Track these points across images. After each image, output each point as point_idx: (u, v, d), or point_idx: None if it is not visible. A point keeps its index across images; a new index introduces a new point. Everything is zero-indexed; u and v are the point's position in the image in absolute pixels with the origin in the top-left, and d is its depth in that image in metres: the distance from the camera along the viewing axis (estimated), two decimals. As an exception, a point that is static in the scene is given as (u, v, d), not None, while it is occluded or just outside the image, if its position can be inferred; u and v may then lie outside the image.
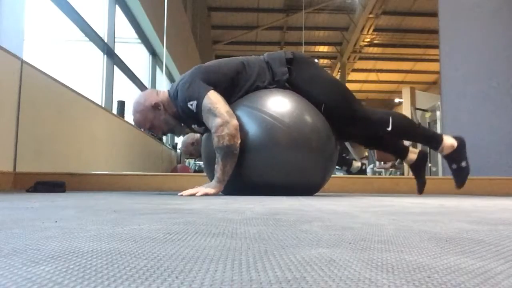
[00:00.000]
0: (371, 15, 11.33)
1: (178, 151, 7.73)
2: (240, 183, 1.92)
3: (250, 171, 1.87)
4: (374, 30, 12.30)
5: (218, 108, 1.81)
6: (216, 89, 1.88)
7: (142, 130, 2.06)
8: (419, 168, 2.28)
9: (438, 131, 6.76)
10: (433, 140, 2.13)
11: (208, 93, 1.84)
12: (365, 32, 12.31)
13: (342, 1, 10.85)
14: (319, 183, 2.05)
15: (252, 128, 1.87)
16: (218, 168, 1.81)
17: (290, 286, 0.26)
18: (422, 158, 2.26)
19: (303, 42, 11.05)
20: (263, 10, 11.37)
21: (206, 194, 1.77)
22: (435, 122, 7.23)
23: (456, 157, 2.12)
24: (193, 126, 2.10)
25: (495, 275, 0.30)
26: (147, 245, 0.42)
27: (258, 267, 0.32)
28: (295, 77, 1.99)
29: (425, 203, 1.35)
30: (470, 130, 4.04)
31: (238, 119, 1.88)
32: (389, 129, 2.00)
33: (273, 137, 1.84)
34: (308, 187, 2.00)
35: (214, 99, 1.84)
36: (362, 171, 2.94)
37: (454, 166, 2.14)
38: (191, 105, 1.86)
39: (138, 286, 0.26)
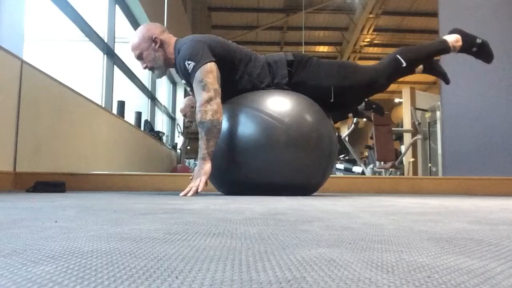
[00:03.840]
0: (371, 15, 11.32)
1: (178, 151, 7.73)
2: (240, 182, 1.92)
3: (250, 170, 1.87)
4: (374, 30, 12.29)
5: (208, 82, 1.83)
6: (217, 63, 1.89)
7: (133, 56, 2.07)
8: (431, 68, 2.26)
9: (438, 131, 6.76)
10: (442, 49, 2.17)
11: (207, 63, 1.85)
12: (365, 32, 12.30)
13: (342, 1, 10.84)
14: (318, 182, 2.05)
15: (251, 127, 1.87)
16: (202, 143, 1.83)
17: (290, 286, 0.26)
18: (429, 63, 2.24)
19: (303, 42, 11.05)
20: (263, 10, 11.36)
21: (204, 183, 1.78)
22: (435, 122, 7.23)
23: (469, 42, 2.15)
24: (182, 80, 2.12)
25: (495, 275, 0.30)
26: (147, 245, 0.42)
27: (258, 267, 0.32)
28: (296, 79, 2.00)
29: (425, 203, 1.35)
30: (470, 130, 4.04)
31: (238, 118, 1.88)
32: (404, 65, 2.04)
33: (272, 136, 1.85)
34: (307, 187, 2.00)
35: (209, 71, 1.84)
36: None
37: (474, 49, 2.17)
38: (188, 64, 1.87)
39: (138, 286, 0.26)
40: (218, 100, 1.83)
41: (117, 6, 5.38)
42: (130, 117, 5.62)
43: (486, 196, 2.51)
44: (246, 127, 1.87)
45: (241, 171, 1.88)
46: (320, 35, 12.86)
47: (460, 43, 2.14)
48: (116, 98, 5.12)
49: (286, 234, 0.51)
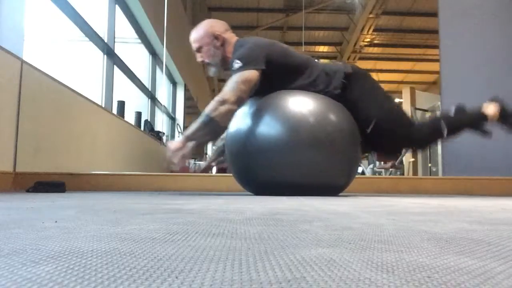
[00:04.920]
0: (371, 15, 11.32)
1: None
2: (264, 182, 1.90)
3: (274, 170, 1.85)
4: (374, 30, 12.28)
5: (239, 88, 1.81)
6: (271, 72, 1.88)
7: (193, 47, 2.08)
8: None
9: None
10: (481, 123, 2.13)
11: (251, 71, 1.84)
12: (365, 32, 12.30)
13: (342, 1, 10.84)
14: (343, 184, 2.04)
15: (276, 127, 1.84)
16: (193, 126, 1.83)
17: (290, 286, 0.26)
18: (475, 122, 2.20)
19: (303, 42, 11.05)
20: (263, 10, 11.36)
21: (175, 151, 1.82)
22: (435, 122, 7.22)
23: (507, 115, 2.12)
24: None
25: (495, 275, 0.30)
26: (147, 245, 0.42)
27: (258, 267, 0.32)
28: (348, 93, 1.97)
29: (425, 203, 1.35)
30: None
31: (262, 117, 1.86)
32: (445, 135, 2.04)
33: (297, 136, 1.82)
34: (332, 187, 1.99)
35: (248, 79, 1.83)
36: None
37: (511, 119, 2.14)
38: (236, 63, 1.86)
39: (138, 286, 0.26)
40: (233, 108, 1.81)
41: (117, 6, 5.38)
42: (130, 117, 5.61)
43: (486, 196, 2.51)
44: (271, 127, 1.85)
45: (265, 171, 1.86)
46: (320, 35, 12.85)
47: (498, 115, 2.10)
48: (116, 98, 5.12)
49: (286, 234, 0.51)
